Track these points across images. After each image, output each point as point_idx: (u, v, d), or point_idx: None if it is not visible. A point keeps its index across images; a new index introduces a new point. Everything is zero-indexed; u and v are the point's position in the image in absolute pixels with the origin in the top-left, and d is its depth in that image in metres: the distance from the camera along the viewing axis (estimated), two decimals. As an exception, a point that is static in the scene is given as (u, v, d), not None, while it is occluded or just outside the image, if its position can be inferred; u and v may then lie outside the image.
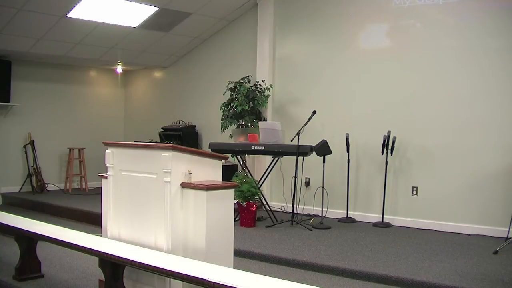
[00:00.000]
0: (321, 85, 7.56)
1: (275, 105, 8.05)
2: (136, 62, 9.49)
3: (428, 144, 6.57)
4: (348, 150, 6.96)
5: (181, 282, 3.29)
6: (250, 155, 7.93)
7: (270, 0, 8.00)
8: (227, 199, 3.67)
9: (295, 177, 6.48)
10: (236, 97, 7.78)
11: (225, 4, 8.04)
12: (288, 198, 7.12)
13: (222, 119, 7.90)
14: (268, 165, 6.98)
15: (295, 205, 6.66)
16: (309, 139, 6.59)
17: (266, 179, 7.08)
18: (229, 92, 7.93)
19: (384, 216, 6.73)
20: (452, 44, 6.42)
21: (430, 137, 6.55)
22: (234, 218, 4.89)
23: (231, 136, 7.77)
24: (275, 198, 7.85)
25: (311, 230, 6.27)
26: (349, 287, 4.35)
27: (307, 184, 7.57)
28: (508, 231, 5.46)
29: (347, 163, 6.99)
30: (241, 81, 7.90)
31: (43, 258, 4.65)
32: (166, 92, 9.97)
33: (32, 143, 8.99)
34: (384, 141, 6.61)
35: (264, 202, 6.82)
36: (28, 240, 4.40)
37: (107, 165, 3.95)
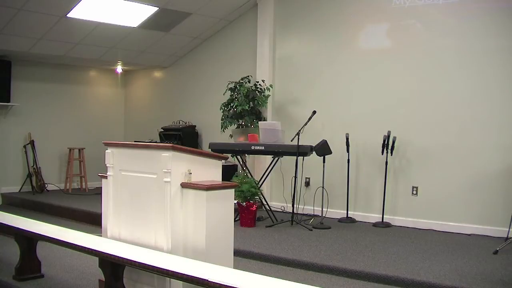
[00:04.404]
0: (321, 85, 7.56)
1: (275, 105, 8.05)
2: (136, 62, 9.49)
3: (428, 144, 6.57)
4: (348, 150, 6.96)
5: (181, 282, 3.29)
6: (250, 155, 7.93)
7: (270, 0, 8.00)
8: (227, 199, 3.67)
9: (295, 177, 6.48)
10: (236, 97, 7.78)
11: (225, 4, 8.04)
12: (288, 198, 7.12)
13: (222, 119, 7.90)
14: (268, 165, 6.97)
15: (295, 205, 6.66)
16: (309, 139, 6.59)
17: (266, 179, 7.08)
18: (229, 92, 7.93)
19: (384, 216, 6.73)
20: (452, 44, 6.42)
21: (430, 137, 6.55)
22: (234, 218, 4.88)
23: (231, 136, 7.77)
24: (275, 198, 7.85)
25: (311, 230, 6.27)
26: (349, 287, 4.35)
27: (307, 184, 7.57)
28: (508, 231, 5.45)
29: (347, 163, 6.99)
30: (241, 81, 7.90)
31: (43, 258, 4.65)
32: (166, 92, 9.97)
33: (32, 143, 8.99)
34: (384, 141, 6.61)
35: (264, 202, 6.82)
36: (28, 240, 4.40)
37: (107, 165, 3.95)
